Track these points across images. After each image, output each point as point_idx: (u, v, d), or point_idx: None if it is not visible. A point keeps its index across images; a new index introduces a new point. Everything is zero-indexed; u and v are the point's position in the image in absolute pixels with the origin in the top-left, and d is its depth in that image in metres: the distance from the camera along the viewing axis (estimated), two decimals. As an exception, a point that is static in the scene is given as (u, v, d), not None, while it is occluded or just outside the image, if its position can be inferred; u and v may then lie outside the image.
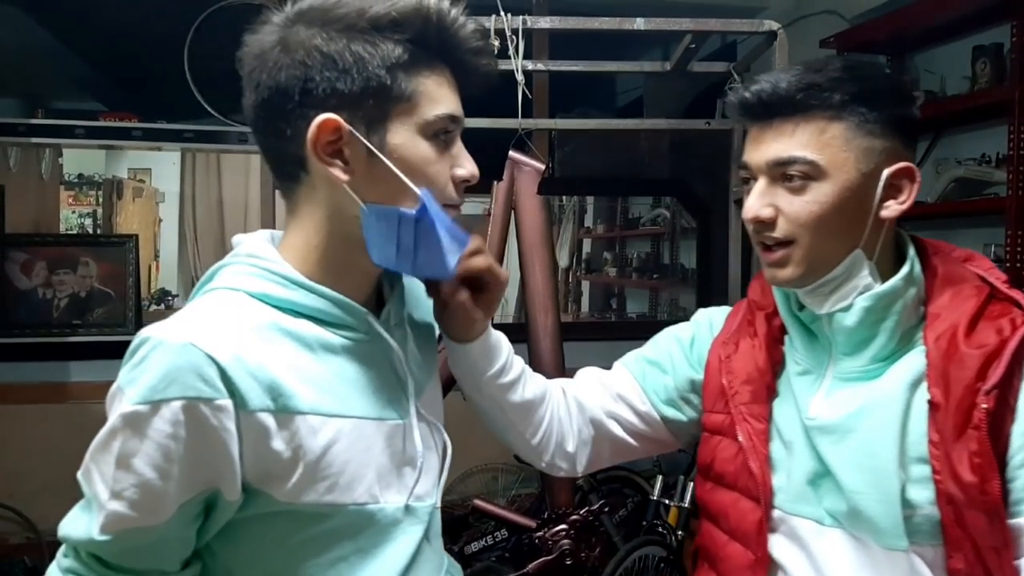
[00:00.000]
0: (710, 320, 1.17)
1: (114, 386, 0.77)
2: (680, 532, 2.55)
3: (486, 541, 2.63)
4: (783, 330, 1.07)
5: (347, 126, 0.80)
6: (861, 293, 0.94)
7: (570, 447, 1.13)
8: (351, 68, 0.79)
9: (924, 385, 0.92)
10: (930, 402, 0.90)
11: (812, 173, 0.92)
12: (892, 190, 0.94)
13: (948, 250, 1.01)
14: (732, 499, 1.03)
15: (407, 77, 0.81)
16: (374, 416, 0.86)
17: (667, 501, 2.57)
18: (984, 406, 0.86)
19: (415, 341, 0.98)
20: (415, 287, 1.03)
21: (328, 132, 0.80)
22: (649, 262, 4.95)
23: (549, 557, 2.02)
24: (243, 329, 0.79)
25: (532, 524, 2.12)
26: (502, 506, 2.82)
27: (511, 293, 4.31)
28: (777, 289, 1.05)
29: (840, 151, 0.92)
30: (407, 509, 0.88)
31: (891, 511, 0.89)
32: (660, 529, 2.56)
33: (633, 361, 1.20)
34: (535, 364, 1.87)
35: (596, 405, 1.15)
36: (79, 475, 0.79)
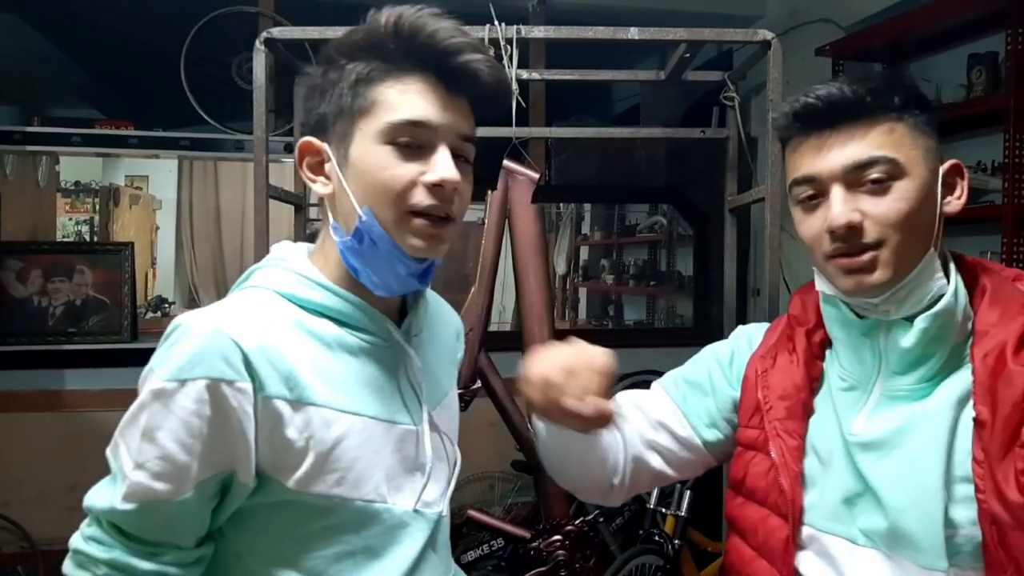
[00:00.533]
0: (749, 336, 1.16)
1: (147, 367, 0.83)
2: (677, 541, 2.54)
3: (482, 550, 2.62)
4: (823, 347, 1.05)
5: (320, 144, 0.89)
6: (935, 296, 0.93)
7: (615, 480, 1.11)
8: (325, 93, 0.89)
9: (971, 403, 0.90)
10: (975, 419, 0.88)
11: (894, 172, 0.92)
12: (946, 188, 0.96)
13: (997, 269, 1.00)
14: (762, 515, 1.02)
15: (367, 90, 0.86)
16: (386, 418, 0.90)
17: (664, 510, 2.56)
18: None
19: (434, 357, 1.02)
20: (440, 308, 1.09)
21: (310, 152, 0.90)
22: (646, 269, 4.95)
23: (544, 568, 2.01)
24: (268, 322, 0.85)
25: (527, 535, 2.11)
26: (497, 516, 2.81)
27: (508, 302, 4.30)
28: (828, 302, 1.02)
29: (910, 148, 0.93)
30: (414, 513, 0.92)
31: (933, 530, 0.87)
32: (657, 538, 2.56)
33: (673, 384, 1.17)
34: (530, 373, 1.86)
35: (636, 436, 1.12)
36: (108, 451, 0.84)
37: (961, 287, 0.95)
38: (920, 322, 0.92)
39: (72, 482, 2.96)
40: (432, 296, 1.07)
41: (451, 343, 1.09)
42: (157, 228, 5.49)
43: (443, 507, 0.96)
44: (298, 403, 0.83)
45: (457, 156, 0.89)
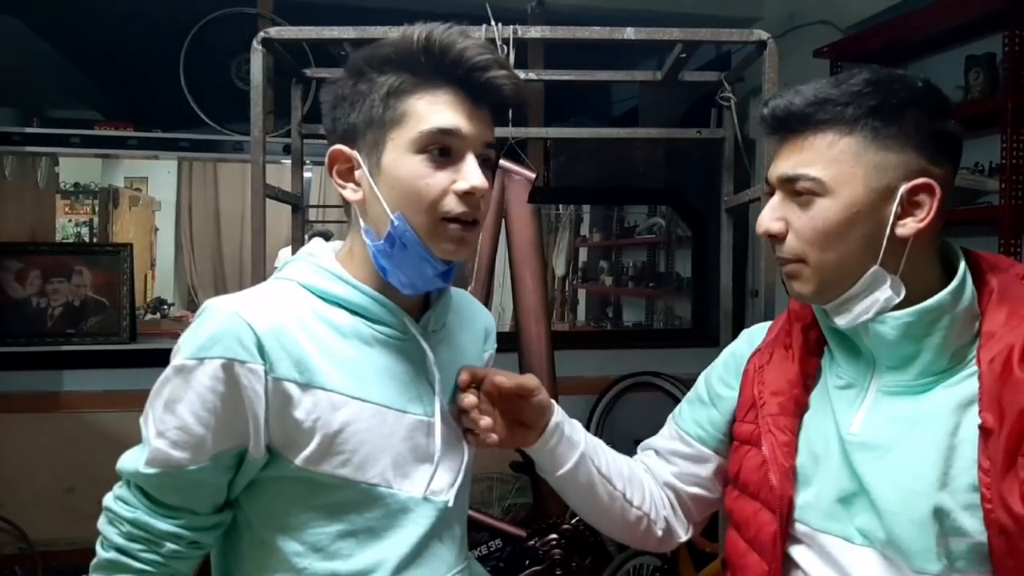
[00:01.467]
0: (750, 335, 1.17)
1: (177, 343, 0.90)
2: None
3: (480, 551, 2.62)
4: (820, 343, 1.04)
5: (351, 152, 0.93)
6: (884, 307, 0.91)
7: (667, 514, 1.15)
8: (356, 104, 0.93)
9: (975, 408, 0.88)
10: (982, 427, 0.86)
11: (817, 189, 0.90)
12: (911, 206, 0.90)
13: (1007, 265, 0.96)
14: (754, 509, 1.03)
15: (398, 102, 0.91)
16: (398, 407, 0.95)
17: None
18: None
19: (457, 352, 1.06)
20: (470, 306, 1.13)
21: (340, 160, 0.95)
22: (645, 271, 4.94)
23: (539, 567, 2.01)
24: (285, 309, 0.91)
25: (523, 534, 2.11)
26: (495, 516, 2.81)
27: (509, 303, 4.31)
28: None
29: (848, 166, 0.89)
30: (420, 500, 0.96)
31: (924, 534, 0.86)
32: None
33: (676, 412, 1.20)
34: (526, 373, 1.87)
35: (663, 472, 1.16)
36: (141, 420, 0.91)
37: (970, 284, 0.92)
38: (906, 316, 0.90)
39: (70, 483, 2.95)
40: (462, 294, 1.13)
41: (478, 340, 1.13)
42: (156, 229, 5.49)
43: (450, 497, 0.99)
44: (307, 386, 0.89)
45: (482, 163, 0.94)
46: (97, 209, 5.28)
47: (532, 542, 2.07)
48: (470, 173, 0.91)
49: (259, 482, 0.93)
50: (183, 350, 0.88)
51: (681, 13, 3.52)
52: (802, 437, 1.00)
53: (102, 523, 0.93)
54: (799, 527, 0.98)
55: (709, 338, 3.50)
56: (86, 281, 3.31)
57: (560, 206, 5.13)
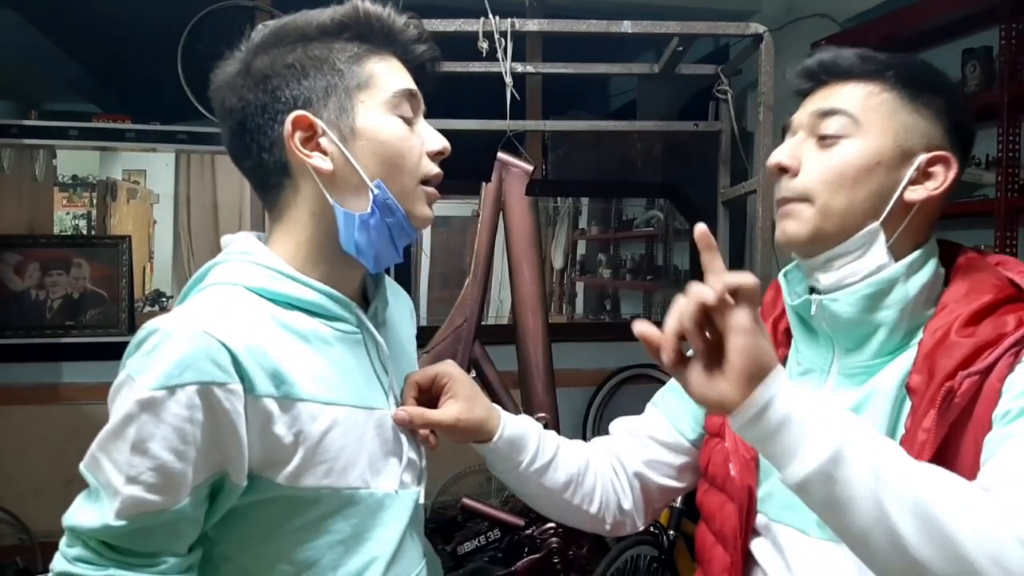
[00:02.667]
0: None
1: (121, 376, 0.80)
2: (672, 532, 2.56)
3: (478, 541, 2.64)
4: (789, 334, 1.03)
5: (316, 119, 0.87)
6: (872, 274, 0.90)
7: (626, 505, 1.12)
8: (310, 68, 0.88)
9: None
10: (907, 387, 0.86)
11: (848, 128, 0.91)
12: (924, 176, 0.92)
13: (986, 255, 0.97)
14: (720, 501, 1.02)
15: (360, 66, 0.89)
16: (364, 405, 0.91)
17: (659, 501, 2.57)
18: (948, 383, 0.81)
19: (399, 338, 1.04)
20: (394, 290, 1.09)
21: (302, 127, 0.87)
22: (643, 264, 4.95)
23: (537, 555, 2.03)
24: (248, 320, 0.83)
25: (520, 522, 2.12)
26: (492, 505, 2.83)
27: (507, 296, 4.32)
28: (784, 279, 1.02)
29: (883, 117, 0.91)
30: (395, 495, 0.93)
31: None
32: (652, 529, 2.57)
33: (659, 396, 1.18)
34: (524, 366, 1.88)
35: (634, 457, 1.14)
36: (82, 467, 0.81)
37: (931, 264, 0.92)
38: (862, 288, 0.90)
39: (69, 475, 2.97)
40: (386, 278, 1.07)
41: (408, 322, 1.12)
42: (154, 222, 5.48)
43: (421, 488, 0.98)
44: (285, 399, 0.83)
45: None
46: (95, 202, 5.27)
47: (530, 531, 2.08)
48: (435, 135, 0.94)
49: (237, 509, 0.85)
50: (142, 381, 0.77)
51: (679, 7, 3.51)
52: None
53: None
54: (759, 518, 0.98)
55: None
56: (85, 274, 3.32)
57: (558, 199, 5.14)
